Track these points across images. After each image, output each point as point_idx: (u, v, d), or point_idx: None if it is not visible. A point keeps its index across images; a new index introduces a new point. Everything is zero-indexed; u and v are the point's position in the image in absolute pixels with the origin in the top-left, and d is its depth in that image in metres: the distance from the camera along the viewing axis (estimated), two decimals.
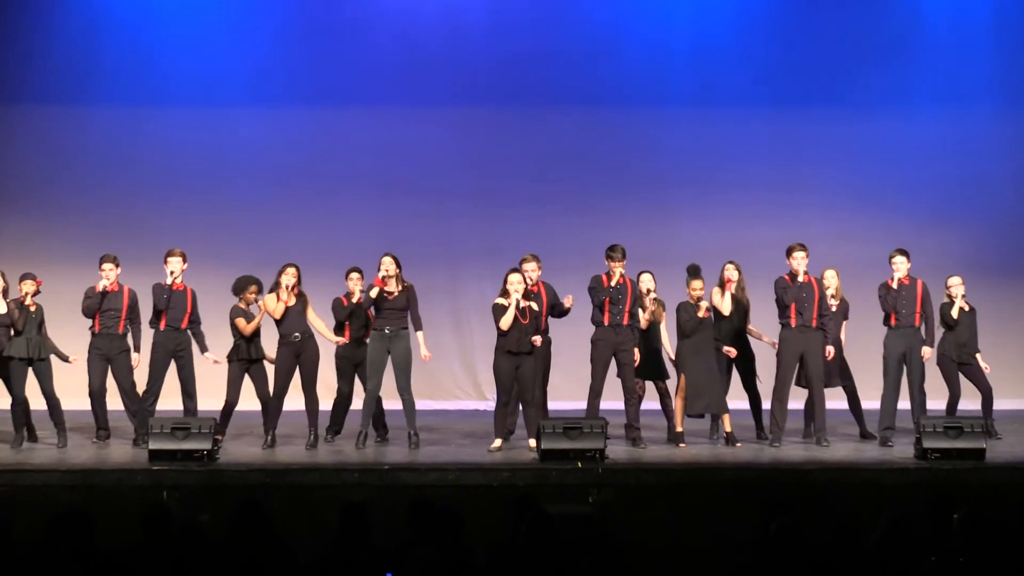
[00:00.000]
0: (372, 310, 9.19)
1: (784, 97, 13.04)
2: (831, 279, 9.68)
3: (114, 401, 9.44)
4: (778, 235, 12.28)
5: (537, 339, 8.94)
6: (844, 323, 9.81)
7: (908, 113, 13.02)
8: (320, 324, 9.24)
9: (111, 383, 9.35)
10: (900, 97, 13.01)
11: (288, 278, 9.06)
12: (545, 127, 12.99)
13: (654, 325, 9.54)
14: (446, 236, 12.96)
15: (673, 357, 9.61)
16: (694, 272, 9.28)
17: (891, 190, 12.94)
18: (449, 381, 12.88)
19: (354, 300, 9.45)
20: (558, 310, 9.47)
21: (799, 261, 9.23)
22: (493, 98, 12.97)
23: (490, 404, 12.08)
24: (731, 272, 9.53)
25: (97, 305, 9.22)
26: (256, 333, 9.25)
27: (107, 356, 9.25)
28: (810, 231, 11.69)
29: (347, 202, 12.86)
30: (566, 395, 10.87)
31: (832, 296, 9.61)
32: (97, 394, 9.28)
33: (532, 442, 8.74)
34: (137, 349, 9.36)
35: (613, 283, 9.07)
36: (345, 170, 12.91)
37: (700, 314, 9.11)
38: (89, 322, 9.30)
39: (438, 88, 12.99)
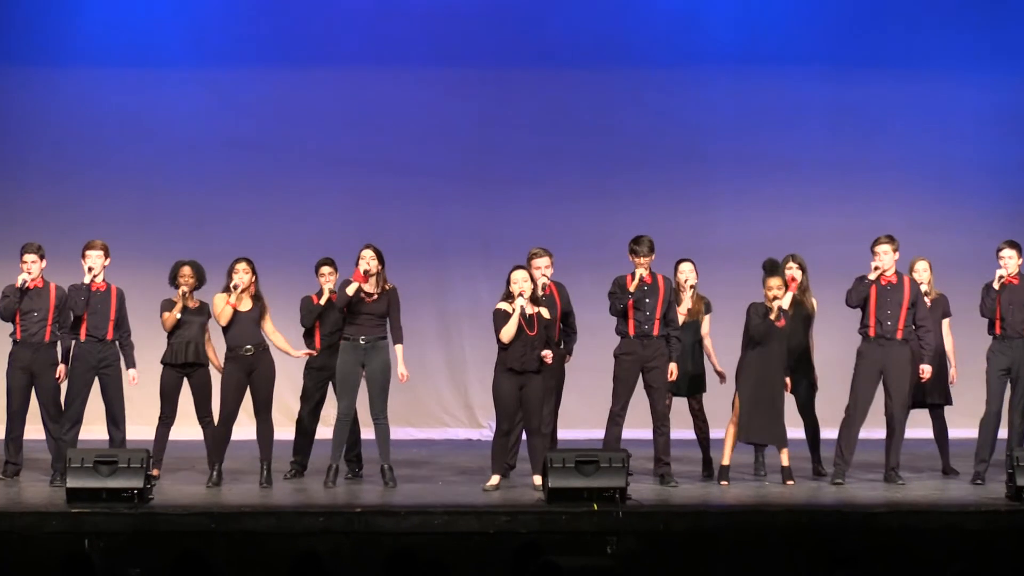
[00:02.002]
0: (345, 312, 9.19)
1: (848, 54, 13.01)
2: (923, 272, 9.69)
3: (33, 429, 9.48)
4: (840, 223, 12.36)
5: (547, 354, 8.94)
6: (946, 322, 9.78)
7: (1004, 76, 12.99)
8: (279, 338, 9.25)
9: (33, 404, 9.35)
10: (993, 57, 12.96)
11: (241, 276, 9.08)
12: (553, 92, 12.98)
13: (694, 331, 9.54)
14: (432, 225, 12.96)
15: (718, 367, 9.62)
16: (771, 268, 9.25)
17: (983, 168, 12.93)
18: (435, 404, 12.88)
19: (322, 301, 9.47)
20: (569, 325, 9.48)
21: (880, 257, 9.18)
22: (489, 56, 12.95)
23: (486, 433, 12.11)
24: (795, 271, 9.53)
25: (16, 305, 9.21)
26: (190, 331, 9.25)
27: (30, 369, 9.27)
28: (881, 218, 11.70)
29: (310, 184, 12.86)
30: (579, 422, 10.87)
31: (926, 293, 9.62)
32: (14, 417, 9.27)
33: (537, 479, 8.74)
34: (131, 364, 9.35)
35: (633, 286, 9.06)
36: (308, 145, 12.91)
37: (773, 316, 9.09)
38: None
39: (421, 44, 12.96)
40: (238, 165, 12.90)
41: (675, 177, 12.91)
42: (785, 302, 9.42)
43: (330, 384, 9.59)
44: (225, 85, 12.96)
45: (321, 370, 9.56)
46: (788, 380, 9.30)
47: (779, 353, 9.17)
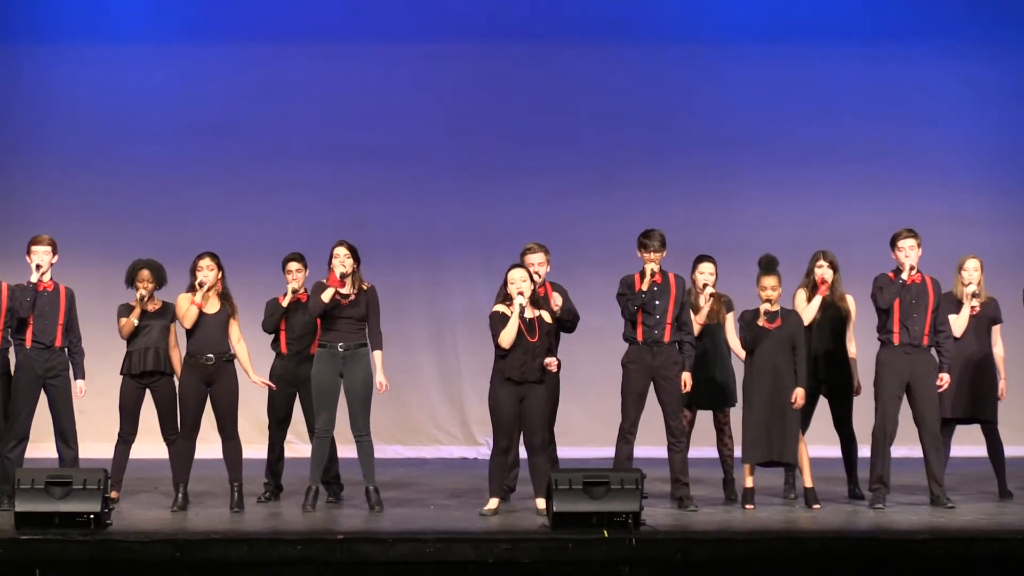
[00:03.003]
0: (320, 319, 9.18)
1: (885, 28, 13.04)
2: (973, 271, 9.69)
3: None
4: (876, 215, 12.30)
5: (552, 363, 8.94)
6: (996, 329, 9.81)
7: None
8: (243, 350, 9.23)
9: None
10: None
11: (205, 273, 9.06)
12: (559, 70, 12.99)
13: (717, 337, 9.56)
14: (423, 219, 12.98)
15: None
16: (767, 266, 9.22)
17: None
18: (427, 419, 12.90)
19: (285, 301, 9.46)
20: (567, 323, 9.45)
21: (907, 252, 9.20)
22: (486, 29, 12.97)
23: (483, 451, 12.10)
24: (825, 271, 9.53)
25: None
26: (150, 336, 9.23)
27: None
28: (923, 210, 11.73)
29: (285, 173, 12.86)
30: (584, 439, 10.84)
31: (975, 295, 9.62)
32: None
33: (540, 502, 8.74)
34: (80, 375, 9.33)
35: (645, 284, 9.05)
36: (282, 130, 12.92)
37: (760, 322, 9.09)
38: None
39: (410, 16, 12.98)
40: (204, 152, 12.89)
41: (695, 166, 12.92)
42: (812, 309, 9.39)
43: (297, 396, 9.58)
44: (190, 62, 12.96)
45: (284, 379, 9.54)
46: (799, 391, 9.17)
47: (772, 361, 9.08)
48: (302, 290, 9.54)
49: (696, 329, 9.38)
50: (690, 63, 13.05)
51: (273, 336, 9.66)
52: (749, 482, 9.22)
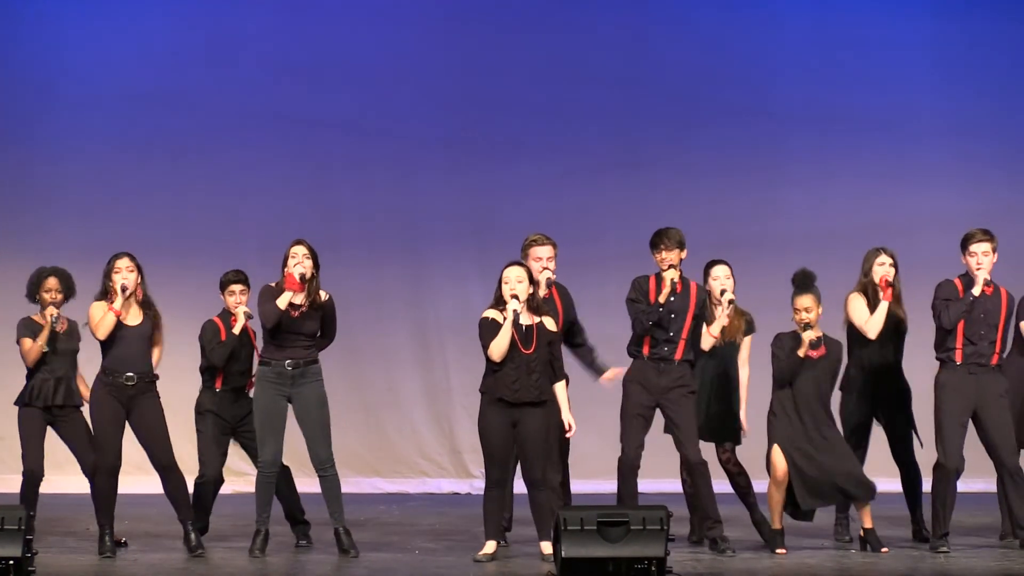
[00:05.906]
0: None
1: None
2: None
3: None
4: (949, 203, 12.39)
5: (569, 426, 8.94)
6: None
7: None
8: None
9: None
10: None
11: (125, 275, 9.05)
12: (566, 26, 13.04)
13: (729, 359, 9.62)
14: (406, 206, 13.05)
15: (743, 414, 9.59)
16: (802, 283, 9.23)
17: None
18: (410, 447, 12.94)
19: (236, 329, 9.45)
20: (577, 336, 9.52)
21: (979, 260, 9.19)
22: None
23: (478, 484, 12.15)
24: (887, 269, 9.56)
25: None
26: (61, 364, 9.29)
27: None
28: (1005, 197, 11.81)
29: (236, 154, 12.94)
30: (599, 470, 10.87)
31: None
32: None
33: (546, 546, 8.79)
34: None
35: (663, 297, 9.06)
36: (232, 100, 13.00)
37: (802, 352, 9.08)
38: None
39: None
40: (135, 127, 12.95)
41: (730, 141, 12.97)
42: (878, 319, 9.41)
43: (235, 436, 9.60)
44: (120, 17, 13.01)
45: (218, 416, 9.51)
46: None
47: (811, 396, 9.13)
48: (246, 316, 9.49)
49: (709, 343, 9.40)
50: (725, 17, 13.13)
51: (204, 368, 9.57)
52: (777, 522, 9.26)
